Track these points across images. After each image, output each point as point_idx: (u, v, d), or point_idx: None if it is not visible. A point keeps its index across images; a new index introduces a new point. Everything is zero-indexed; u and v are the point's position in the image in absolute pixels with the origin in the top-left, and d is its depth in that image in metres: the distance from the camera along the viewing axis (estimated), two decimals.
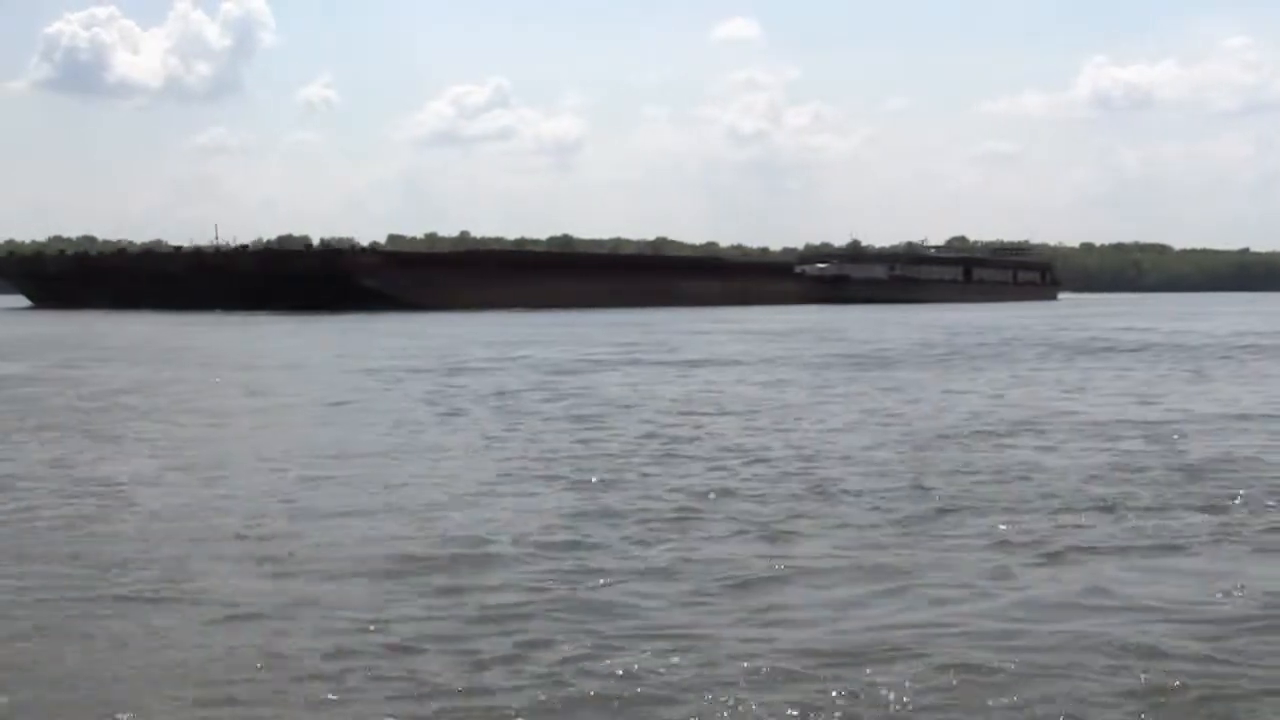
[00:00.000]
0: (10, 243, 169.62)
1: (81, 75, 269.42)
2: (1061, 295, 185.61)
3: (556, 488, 13.47)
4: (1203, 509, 12.23)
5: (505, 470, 14.66)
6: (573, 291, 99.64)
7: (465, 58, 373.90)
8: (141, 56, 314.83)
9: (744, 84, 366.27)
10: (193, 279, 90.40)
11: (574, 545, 10.65)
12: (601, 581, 9.42)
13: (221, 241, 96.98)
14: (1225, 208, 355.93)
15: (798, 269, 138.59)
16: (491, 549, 10.50)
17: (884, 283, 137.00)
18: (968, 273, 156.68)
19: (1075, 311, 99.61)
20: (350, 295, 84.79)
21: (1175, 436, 17.69)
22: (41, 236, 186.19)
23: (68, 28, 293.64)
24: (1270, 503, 12.52)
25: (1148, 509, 12.22)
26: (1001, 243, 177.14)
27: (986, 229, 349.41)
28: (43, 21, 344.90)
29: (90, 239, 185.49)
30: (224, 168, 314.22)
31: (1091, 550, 10.53)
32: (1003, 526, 11.46)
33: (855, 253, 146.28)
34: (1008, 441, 17.28)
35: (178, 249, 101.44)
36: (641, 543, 10.78)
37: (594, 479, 13.90)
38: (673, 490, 13.22)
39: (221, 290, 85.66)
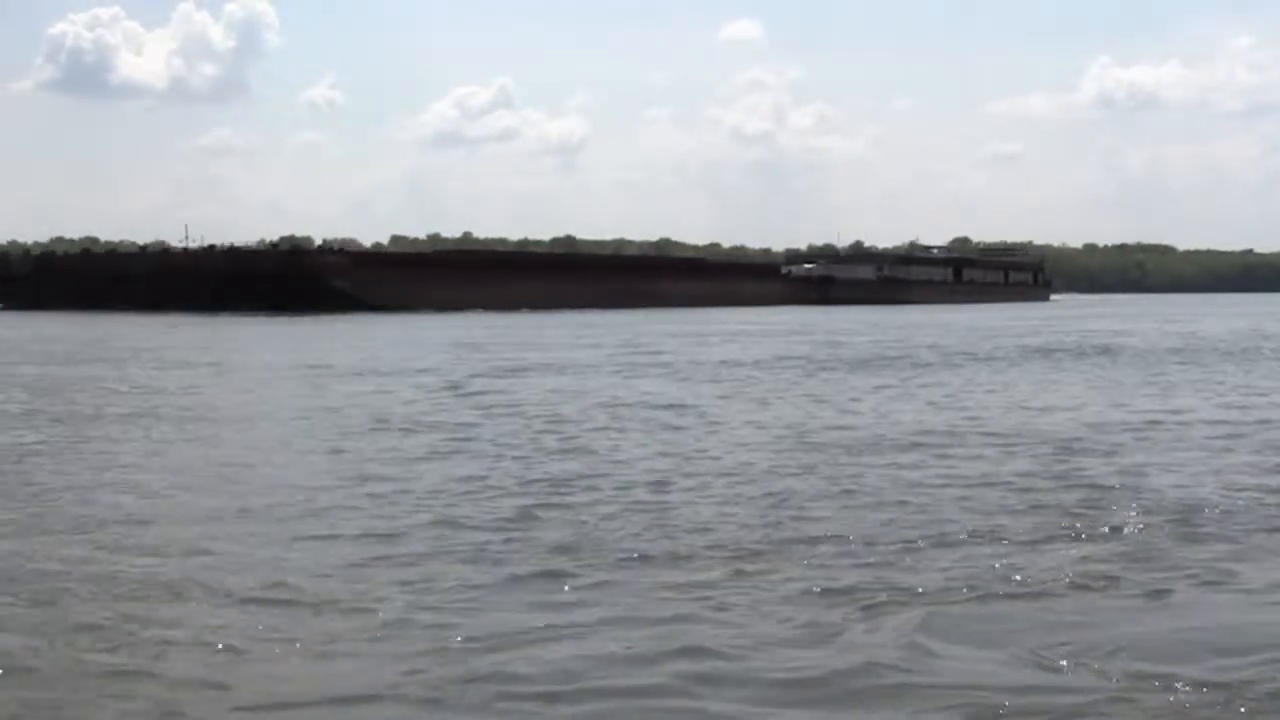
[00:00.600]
0: (12, 244, 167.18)
1: (86, 76, 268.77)
2: (1055, 296, 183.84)
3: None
4: (1069, 540, 10.35)
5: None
6: (550, 292, 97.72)
7: (470, 59, 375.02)
8: (145, 58, 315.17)
9: (748, 85, 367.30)
10: (160, 280, 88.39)
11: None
12: None
13: (190, 242, 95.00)
14: (1229, 209, 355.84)
15: (784, 270, 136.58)
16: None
17: (871, 284, 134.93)
18: (958, 273, 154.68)
19: (1062, 313, 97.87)
20: (318, 296, 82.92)
21: (1083, 451, 15.78)
22: (44, 238, 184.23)
23: (72, 29, 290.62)
24: (1150, 536, 10.60)
25: (1008, 542, 10.32)
26: (1005, 243, 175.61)
27: (991, 230, 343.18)
28: (47, 23, 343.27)
29: (92, 239, 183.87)
30: (229, 169, 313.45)
31: (920, 597, 8.63)
32: (833, 564, 9.59)
33: (843, 254, 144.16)
34: (899, 457, 15.38)
35: (143, 248, 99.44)
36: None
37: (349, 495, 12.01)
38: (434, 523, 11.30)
39: (188, 291, 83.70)
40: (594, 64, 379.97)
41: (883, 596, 8.70)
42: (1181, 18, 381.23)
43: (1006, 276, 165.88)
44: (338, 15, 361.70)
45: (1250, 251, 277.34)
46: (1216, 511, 11.63)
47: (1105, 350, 41.43)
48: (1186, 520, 11.17)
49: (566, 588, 9.01)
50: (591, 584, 9.13)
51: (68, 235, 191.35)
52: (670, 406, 21.89)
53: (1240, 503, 12.08)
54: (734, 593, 8.87)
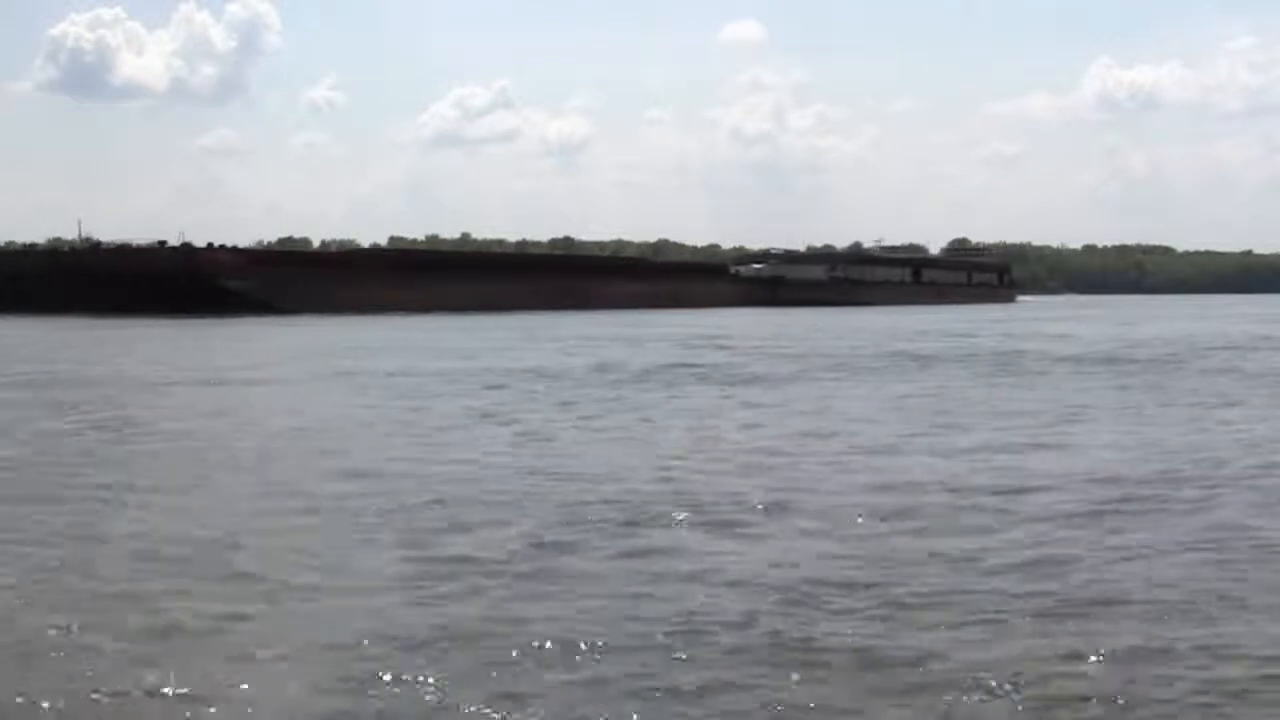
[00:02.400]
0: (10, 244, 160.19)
1: (86, 77, 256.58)
2: (1024, 297, 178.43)
3: None
4: None
5: None
6: (474, 294, 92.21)
7: (470, 59, 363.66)
8: (147, 58, 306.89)
9: (749, 85, 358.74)
10: (53, 280, 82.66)
11: None
12: None
13: (83, 237, 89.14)
14: (1230, 210, 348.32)
15: (732, 270, 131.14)
16: None
17: (823, 284, 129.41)
18: (917, 274, 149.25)
19: (1016, 315, 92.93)
20: (212, 298, 77.45)
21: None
22: (43, 238, 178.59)
23: (73, 29, 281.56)
24: None
25: None
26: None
27: (992, 230, 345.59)
28: (47, 23, 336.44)
29: (90, 240, 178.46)
30: (229, 170, 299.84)
31: None
32: None
33: (795, 254, 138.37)
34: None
35: (31, 246, 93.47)
36: None
37: None
38: None
39: (81, 292, 78.07)
40: (595, 65, 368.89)
41: None
42: (1183, 18, 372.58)
43: (970, 277, 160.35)
44: (339, 16, 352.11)
45: (1250, 253, 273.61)
46: None
47: (1004, 357, 36.47)
48: None
49: None
50: None
51: (65, 236, 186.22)
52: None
53: None
54: None
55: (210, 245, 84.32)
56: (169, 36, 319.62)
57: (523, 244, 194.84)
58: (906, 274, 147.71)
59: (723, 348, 43.25)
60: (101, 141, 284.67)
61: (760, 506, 11.97)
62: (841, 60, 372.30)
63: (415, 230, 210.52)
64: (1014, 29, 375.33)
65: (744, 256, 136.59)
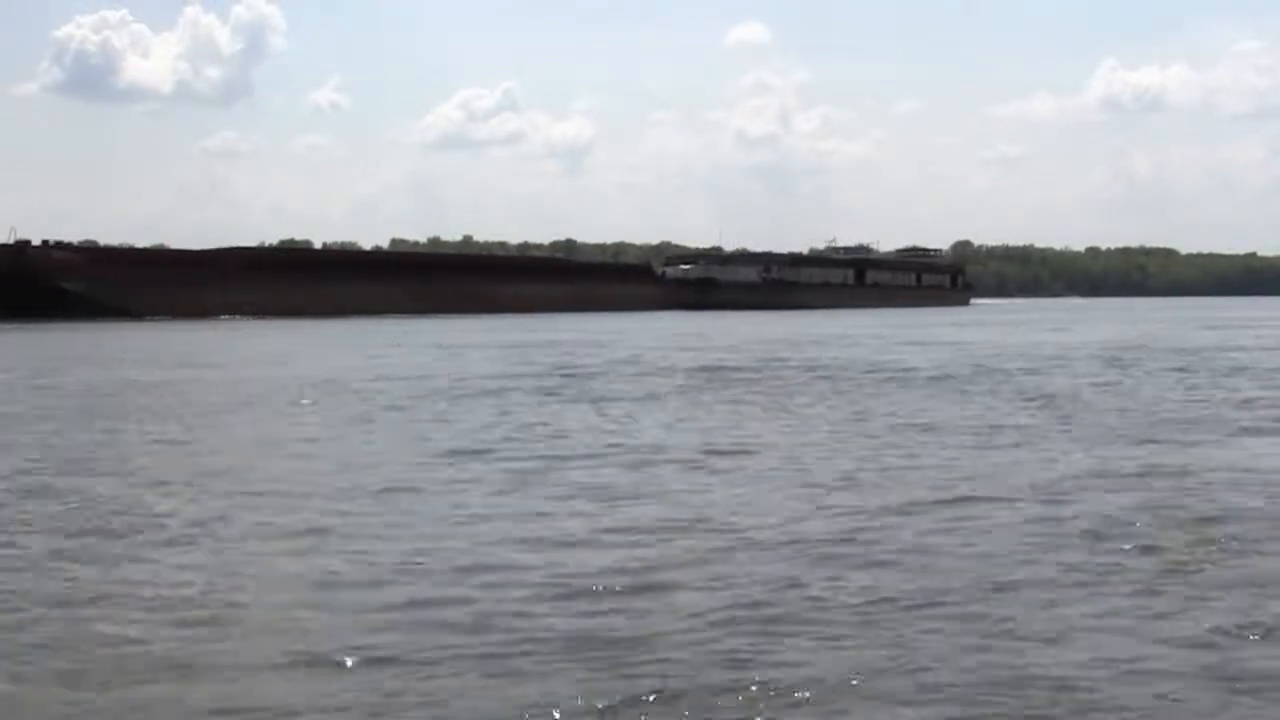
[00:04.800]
0: None
1: (92, 79, 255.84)
2: (979, 300, 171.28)
3: None
4: None
5: None
6: (358, 296, 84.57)
7: (475, 62, 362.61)
8: (152, 60, 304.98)
9: (754, 87, 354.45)
10: None
11: None
12: None
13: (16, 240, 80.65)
14: (1234, 212, 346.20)
15: (658, 271, 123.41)
16: None
17: (756, 287, 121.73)
18: (860, 275, 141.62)
19: (947, 320, 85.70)
20: (49, 300, 69.68)
21: None
22: (46, 240, 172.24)
23: (78, 31, 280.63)
24: None
25: None
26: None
27: (995, 232, 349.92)
28: (52, 25, 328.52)
29: (91, 242, 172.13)
30: (234, 171, 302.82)
31: None
32: None
33: (727, 254, 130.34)
34: None
35: None
36: None
37: None
38: None
39: None
40: (600, 67, 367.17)
41: None
42: (1188, 20, 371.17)
43: (919, 279, 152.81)
44: (343, 18, 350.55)
45: (1253, 255, 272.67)
46: None
47: (821, 370, 29.07)
48: None
49: None
50: None
51: (66, 239, 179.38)
52: None
53: None
54: None
55: (45, 243, 76.19)
56: (174, 39, 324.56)
57: (524, 246, 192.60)
58: (849, 276, 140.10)
59: (560, 357, 35.73)
60: (105, 144, 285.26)
61: None
62: (845, 62, 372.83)
63: (420, 233, 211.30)
64: (1018, 31, 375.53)
65: (674, 257, 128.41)
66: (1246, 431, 17.72)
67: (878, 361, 35.50)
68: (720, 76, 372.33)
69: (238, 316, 75.71)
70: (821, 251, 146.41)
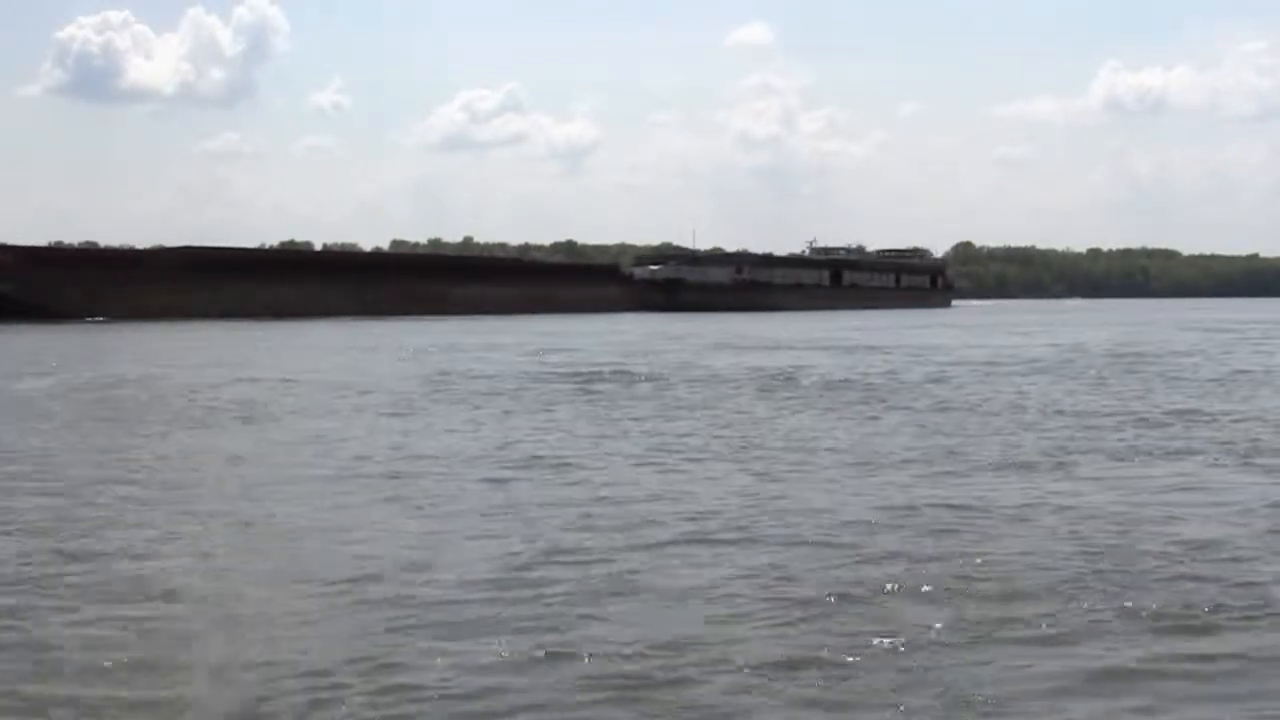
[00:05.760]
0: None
1: (94, 80, 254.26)
2: (959, 302, 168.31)
3: None
4: None
5: None
6: (299, 298, 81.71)
7: (478, 62, 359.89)
8: (154, 61, 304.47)
9: (757, 89, 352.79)
10: None
11: None
12: None
13: None
14: (1238, 213, 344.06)
15: (625, 271, 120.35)
16: None
17: (727, 288, 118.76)
18: (836, 276, 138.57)
19: (919, 323, 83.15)
20: None
21: None
22: (45, 242, 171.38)
23: (80, 32, 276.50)
24: None
25: None
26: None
27: (998, 234, 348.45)
28: (55, 26, 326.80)
29: (92, 244, 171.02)
30: (236, 173, 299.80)
31: None
32: None
33: (698, 254, 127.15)
34: None
35: None
36: None
37: None
38: None
39: None
40: (602, 68, 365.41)
41: None
42: (1192, 21, 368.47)
43: (898, 280, 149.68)
44: (345, 19, 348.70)
45: (1256, 256, 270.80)
46: None
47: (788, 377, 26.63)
48: None
49: None
50: None
51: (66, 240, 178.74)
52: None
53: None
54: None
55: None
56: (176, 40, 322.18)
57: (525, 247, 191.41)
58: (824, 276, 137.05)
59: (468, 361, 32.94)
60: (107, 145, 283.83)
61: None
62: (848, 63, 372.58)
63: (421, 234, 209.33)
64: (1021, 32, 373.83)
65: (644, 257, 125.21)
66: (1012, 465, 14.82)
67: (779, 369, 32.81)
68: (722, 78, 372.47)
69: (170, 319, 72.88)
70: (798, 253, 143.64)
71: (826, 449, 16.04)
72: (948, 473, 13.90)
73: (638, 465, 14.63)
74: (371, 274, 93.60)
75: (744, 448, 16.15)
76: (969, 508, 11.59)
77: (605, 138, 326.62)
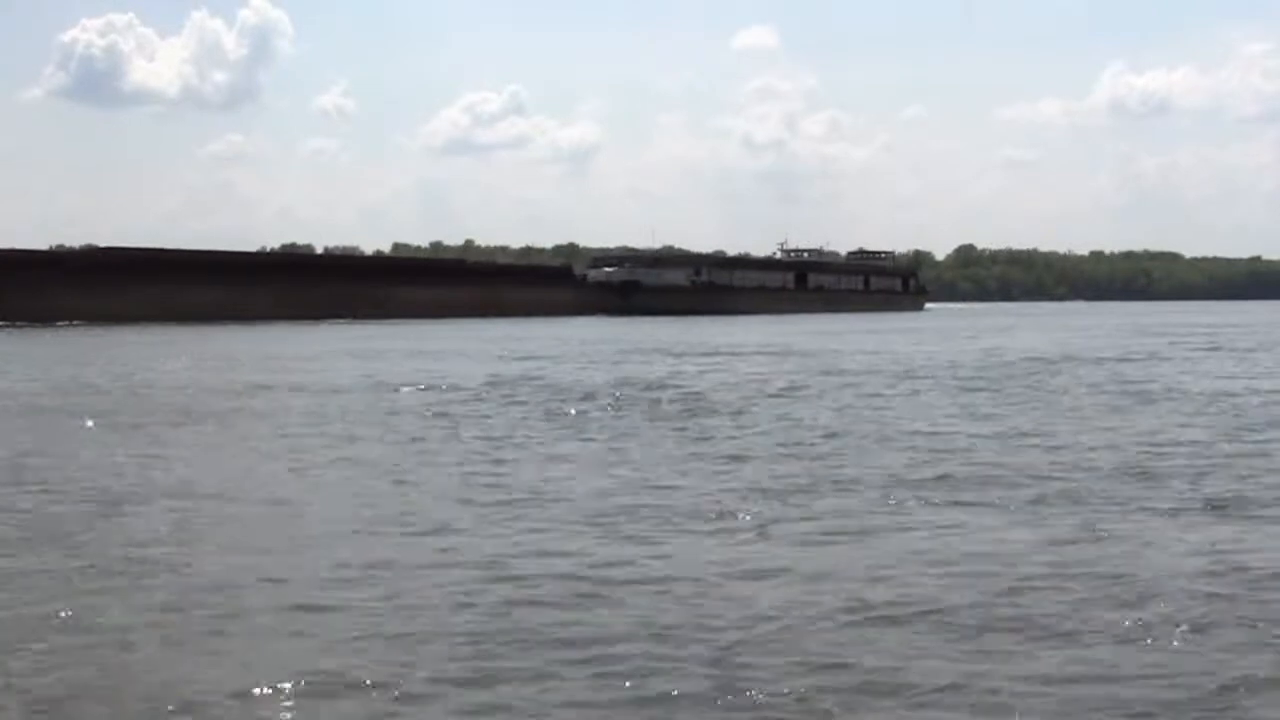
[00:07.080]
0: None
1: (97, 83, 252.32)
2: (933, 305, 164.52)
3: None
4: None
5: None
6: (219, 300, 77.54)
7: (482, 65, 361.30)
8: (158, 64, 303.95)
9: (761, 92, 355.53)
10: None
11: None
12: None
13: None
14: (1241, 216, 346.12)
15: (579, 273, 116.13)
16: None
17: (685, 291, 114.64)
18: (801, 279, 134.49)
19: (879, 326, 79.27)
20: None
21: None
22: (47, 245, 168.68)
23: (84, 35, 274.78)
24: None
25: None
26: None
27: (1002, 236, 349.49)
28: (58, 29, 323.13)
29: (93, 246, 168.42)
30: (240, 176, 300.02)
31: None
32: None
33: (654, 255, 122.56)
34: None
35: None
36: None
37: None
38: None
39: None
40: (607, 70, 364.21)
41: None
42: (1196, 23, 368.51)
43: (867, 283, 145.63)
44: (350, 22, 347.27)
45: (1258, 259, 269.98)
46: None
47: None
48: None
49: None
50: None
51: (68, 243, 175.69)
52: None
53: None
54: None
55: None
56: (180, 43, 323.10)
57: (526, 250, 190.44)
58: (789, 279, 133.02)
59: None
60: (111, 148, 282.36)
61: None
62: (853, 67, 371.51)
63: (421, 237, 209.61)
64: (1025, 35, 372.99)
65: (600, 258, 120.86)
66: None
67: (662, 379, 29.12)
68: (727, 81, 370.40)
69: (75, 322, 68.74)
70: (779, 254, 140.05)
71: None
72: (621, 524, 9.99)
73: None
74: (307, 276, 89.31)
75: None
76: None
77: (608, 141, 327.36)
